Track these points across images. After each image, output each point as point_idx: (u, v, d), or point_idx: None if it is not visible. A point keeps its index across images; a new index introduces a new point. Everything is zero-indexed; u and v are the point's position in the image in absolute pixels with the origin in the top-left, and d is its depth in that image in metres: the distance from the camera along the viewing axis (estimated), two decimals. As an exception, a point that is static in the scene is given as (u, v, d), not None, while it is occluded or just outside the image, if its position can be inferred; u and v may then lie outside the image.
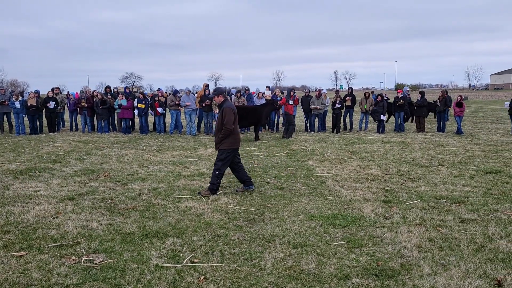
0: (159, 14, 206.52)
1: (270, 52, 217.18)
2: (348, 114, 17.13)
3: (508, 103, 15.09)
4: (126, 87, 19.53)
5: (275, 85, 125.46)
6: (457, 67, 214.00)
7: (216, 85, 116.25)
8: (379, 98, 16.38)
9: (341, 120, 16.78)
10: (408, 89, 20.40)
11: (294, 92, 15.95)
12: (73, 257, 4.43)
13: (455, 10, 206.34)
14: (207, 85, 17.54)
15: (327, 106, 16.59)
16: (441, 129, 16.19)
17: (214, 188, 6.94)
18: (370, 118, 17.46)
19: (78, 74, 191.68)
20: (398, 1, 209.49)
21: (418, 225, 5.39)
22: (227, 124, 6.74)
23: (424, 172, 8.66)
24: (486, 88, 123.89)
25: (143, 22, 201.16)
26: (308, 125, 16.83)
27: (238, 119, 14.11)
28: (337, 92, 17.33)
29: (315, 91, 16.90)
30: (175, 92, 16.63)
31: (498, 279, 3.87)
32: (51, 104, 16.01)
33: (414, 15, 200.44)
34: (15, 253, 4.50)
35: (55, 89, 17.08)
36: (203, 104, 15.50)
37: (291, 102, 15.18)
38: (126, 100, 15.95)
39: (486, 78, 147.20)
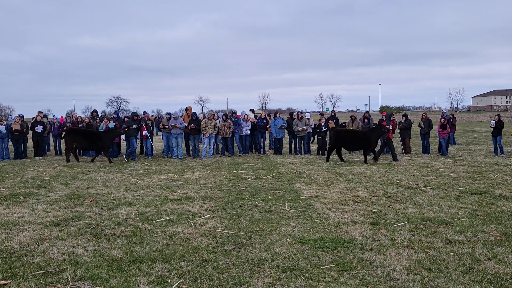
0: (139, 40, 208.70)
1: (254, 76, 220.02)
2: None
3: (494, 122, 15.41)
4: (114, 112, 19.49)
5: (261, 108, 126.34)
6: (438, 90, 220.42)
7: (202, 108, 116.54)
8: (366, 120, 16.59)
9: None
10: (446, 111, 19.96)
11: (394, 116, 15.68)
12: (59, 285, 4.33)
13: (430, 37, 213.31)
14: (191, 108, 17.66)
15: (312, 126, 16.70)
16: (426, 150, 16.41)
17: None
18: None
19: (64, 98, 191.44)
20: (375, 29, 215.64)
21: (406, 247, 5.41)
22: None
23: (411, 194, 8.73)
24: (468, 110, 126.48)
25: (124, 48, 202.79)
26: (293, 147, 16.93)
27: (349, 142, 14.34)
28: (321, 114, 17.53)
29: (297, 113, 16.99)
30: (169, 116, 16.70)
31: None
32: (39, 128, 15.87)
33: (392, 41, 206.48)
34: (-2, 282, 4.40)
35: (39, 113, 16.92)
36: (189, 128, 15.55)
37: (390, 126, 14.99)
38: (113, 124, 15.88)
39: (468, 100, 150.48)
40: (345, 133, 14.66)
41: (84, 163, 14.53)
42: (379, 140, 15.56)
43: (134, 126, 15.25)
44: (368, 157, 14.27)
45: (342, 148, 14.85)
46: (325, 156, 14.83)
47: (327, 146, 17.18)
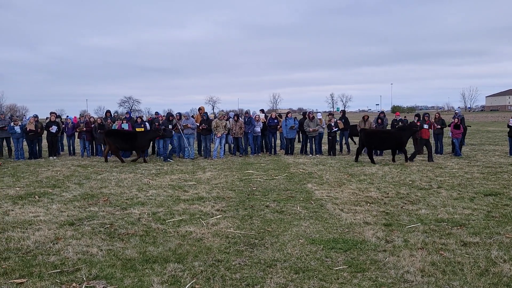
0: (148, 40, 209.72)
1: (264, 75, 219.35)
2: (344, 137, 17.20)
3: None
4: (126, 112, 19.62)
5: (272, 108, 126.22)
6: (451, 90, 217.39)
7: (213, 108, 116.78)
8: (379, 121, 16.46)
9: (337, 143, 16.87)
10: (459, 111, 19.12)
11: (429, 116, 15.29)
12: (74, 284, 4.39)
13: (442, 35, 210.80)
14: (203, 108, 17.72)
15: (323, 127, 16.62)
16: (439, 151, 16.25)
17: None
18: None
19: (77, 98, 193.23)
20: (386, 28, 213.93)
21: (420, 249, 5.37)
22: None
23: (424, 195, 8.66)
24: (482, 110, 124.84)
25: (134, 48, 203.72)
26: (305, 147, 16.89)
27: (380, 142, 14.21)
28: (330, 114, 17.43)
29: (308, 113, 16.85)
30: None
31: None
32: (53, 128, 16.07)
33: (403, 40, 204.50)
34: (15, 281, 4.45)
35: (52, 114, 17.11)
36: (201, 128, 15.60)
37: (425, 126, 14.66)
38: (127, 124, 16.04)
39: (481, 99, 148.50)
40: (375, 133, 14.50)
41: (97, 163, 14.67)
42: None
43: (170, 126, 15.21)
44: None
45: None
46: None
47: (336, 146, 17.18)
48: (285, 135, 16.76)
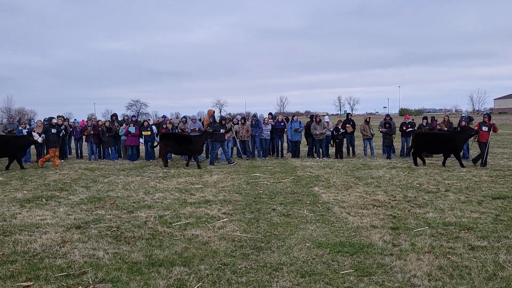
0: (157, 43, 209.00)
1: (271, 78, 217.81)
2: (351, 140, 17.13)
3: None
4: (133, 116, 19.70)
5: (279, 111, 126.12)
6: (459, 92, 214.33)
7: (220, 111, 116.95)
8: (387, 125, 16.37)
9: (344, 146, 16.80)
10: (466, 114, 18.41)
11: (489, 117, 14.06)
12: (80, 287, 4.40)
13: (451, 37, 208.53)
14: (213, 112, 17.72)
15: (330, 129, 16.59)
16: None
17: None
18: (375, 144, 17.44)
19: (84, 102, 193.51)
20: (394, 30, 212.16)
21: (427, 252, 5.33)
22: None
23: (431, 198, 8.60)
24: (490, 112, 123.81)
25: (144, 51, 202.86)
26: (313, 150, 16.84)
27: (431, 145, 13.97)
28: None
29: (315, 116, 16.75)
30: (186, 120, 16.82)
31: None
32: (61, 132, 16.17)
33: (411, 42, 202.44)
34: (21, 284, 4.47)
35: (59, 118, 17.23)
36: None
37: (484, 128, 13.60)
38: (134, 127, 16.12)
39: (490, 102, 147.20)
40: (427, 136, 14.26)
41: (105, 166, 14.74)
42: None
43: (222, 130, 14.99)
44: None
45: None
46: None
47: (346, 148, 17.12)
48: (289, 138, 16.76)
